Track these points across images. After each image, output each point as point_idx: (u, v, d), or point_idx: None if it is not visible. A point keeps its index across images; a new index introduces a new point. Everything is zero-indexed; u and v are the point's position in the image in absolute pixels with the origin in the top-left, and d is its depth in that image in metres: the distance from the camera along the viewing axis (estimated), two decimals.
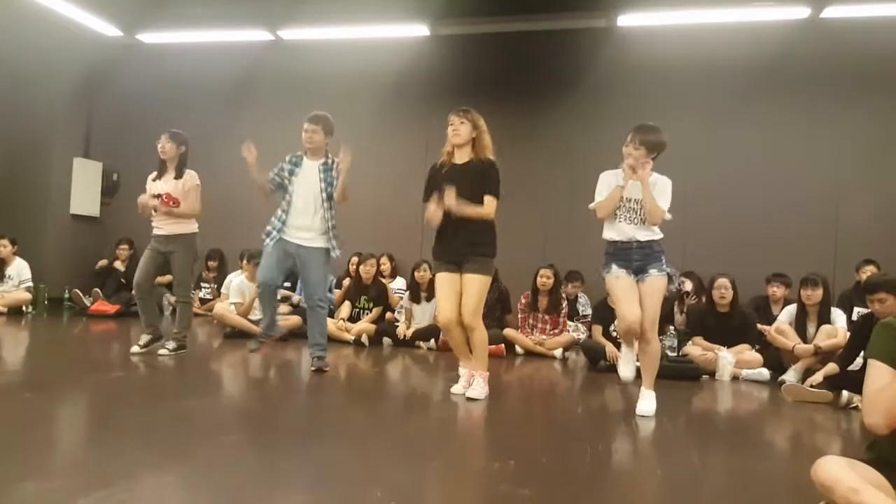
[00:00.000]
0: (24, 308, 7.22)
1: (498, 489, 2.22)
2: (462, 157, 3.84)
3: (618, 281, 3.56)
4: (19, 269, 7.30)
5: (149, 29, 8.25)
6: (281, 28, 7.88)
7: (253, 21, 7.79)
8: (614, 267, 3.57)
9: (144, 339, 4.75)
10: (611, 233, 3.65)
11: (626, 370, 3.85)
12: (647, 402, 3.57)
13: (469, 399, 3.68)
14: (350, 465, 2.42)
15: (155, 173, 4.85)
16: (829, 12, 6.52)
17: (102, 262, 8.14)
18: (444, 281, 3.79)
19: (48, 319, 7.01)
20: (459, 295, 3.76)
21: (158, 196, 4.70)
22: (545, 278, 5.97)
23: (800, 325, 5.09)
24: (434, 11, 7.26)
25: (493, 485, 2.28)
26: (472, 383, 3.78)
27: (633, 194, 3.58)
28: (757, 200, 6.95)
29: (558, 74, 7.59)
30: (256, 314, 6.29)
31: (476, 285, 3.70)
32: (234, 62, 8.37)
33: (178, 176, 4.75)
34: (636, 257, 3.55)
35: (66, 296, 7.74)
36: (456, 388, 3.89)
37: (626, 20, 7.06)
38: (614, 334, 5.38)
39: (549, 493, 2.20)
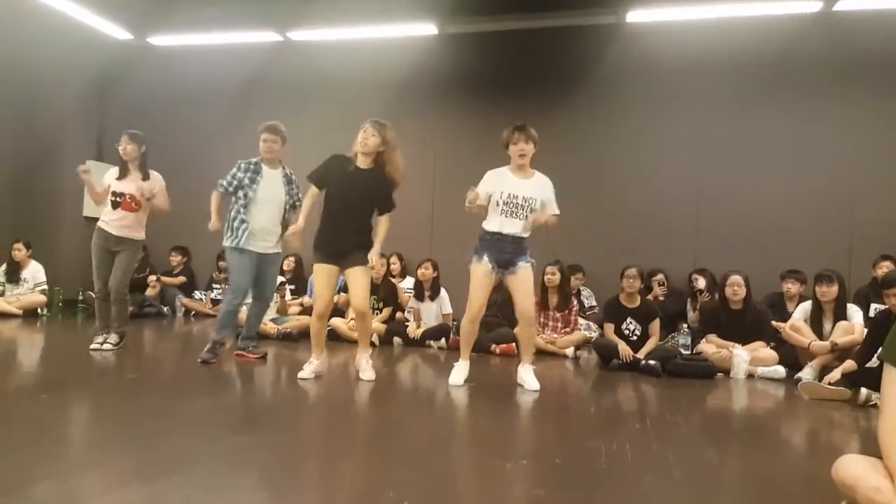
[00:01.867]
0: (39, 310, 7.29)
1: (512, 489, 2.20)
2: (365, 163, 4.14)
3: None
4: (34, 271, 7.37)
5: (159, 32, 8.31)
6: (290, 29, 7.91)
7: (262, 22, 7.82)
8: None
9: (101, 338, 4.88)
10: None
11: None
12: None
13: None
14: (362, 465, 2.41)
15: (116, 171, 4.94)
16: (842, 5, 6.45)
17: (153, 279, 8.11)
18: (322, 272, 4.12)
19: (62, 321, 7.08)
20: (333, 288, 4.15)
21: (122, 195, 4.83)
22: (552, 275, 5.94)
23: (815, 321, 5.03)
24: (442, 10, 7.26)
25: (507, 485, 2.26)
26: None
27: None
28: (771, 196, 6.89)
29: (567, 71, 7.55)
30: (269, 314, 6.32)
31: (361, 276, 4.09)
32: (243, 63, 8.41)
33: (146, 177, 4.87)
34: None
35: (80, 298, 7.79)
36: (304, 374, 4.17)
37: (635, 16, 7.02)
38: (626, 332, 5.35)
39: (564, 494, 2.18)
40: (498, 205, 4.01)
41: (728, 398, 4.34)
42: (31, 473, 2.10)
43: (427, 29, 7.58)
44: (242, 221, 4.56)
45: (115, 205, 4.87)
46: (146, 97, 8.78)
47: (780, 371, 4.99)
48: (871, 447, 1.81)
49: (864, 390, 3.96)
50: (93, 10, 7.64)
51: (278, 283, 6.49)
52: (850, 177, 6.74)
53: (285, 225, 4.69)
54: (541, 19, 7.36)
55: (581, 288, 6.86)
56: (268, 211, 4.62)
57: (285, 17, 7.73)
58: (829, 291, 4.95)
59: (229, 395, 3.81)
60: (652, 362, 4.92)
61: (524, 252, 4.10)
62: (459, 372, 4.15)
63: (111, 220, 4.87)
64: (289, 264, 7.49)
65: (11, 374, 4.14)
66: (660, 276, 6.60)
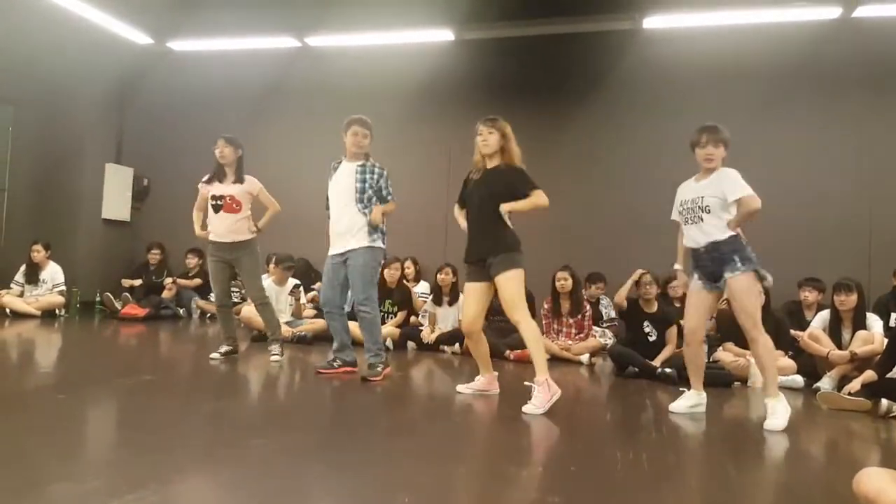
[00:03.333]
0: (56, 311, 7.39)
1: (527, 496, 2.19)
2: (492, 164, 3.86)
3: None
4: (53, 273, 7.47)
5: (179, 37, 8.41)
6: (308, 35, 7.97)
7: (280, 28, 7.89)
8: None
9: (224, 348, 4.84)
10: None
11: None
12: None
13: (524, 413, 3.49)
14: (376, 470, 2.41)
15: (207, 177, 4.83)
16: (861, 11, 6.39)
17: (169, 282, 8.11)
18: (470, 289, 3.90)
19: (80, 322, 7.15)
20: (483, 302, 3.84)
21: (221, 197, 4.70)
22: (563, 280, 5.92)
23: (834, 331, 4.97)
24: (459, 16, 7.28)
25: (523, 492, 2.25)
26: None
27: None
28: (789, 204, 6.81)
29: (584, 78, 7.54)
30: (284, 317, 6.35)
31: (505, 284, 3.70)
32: (261, 69, 8.49)
33: (239, 181, 4.75)
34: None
35: (98, 299, 7.89)
36: (462, 387, 4.00)
37: (652, 22, 6.99)
38: (646, 331, 5.33)
39: (579, 502, 2.16)
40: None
41: (746, 407, 4.30)
42: (47, 474, 2.12)
43: (444, 35, 7.61)
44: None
45: (216, 208, 4.70)
46: (165, 102, 8.89)
47: (799, 380, 4.92)
48: (892, 460, 1.78)
49: (884, 401, 3.90)
50: (113, 15, 7.75)
51: (293, 285, 6.54)
52: (870, 185, 6.66)
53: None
54: (558, 25, 7.36)
55: (601, 297, 6.82)
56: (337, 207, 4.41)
57: (303, 23, 7.79)
58: (847, 300, 4.88)
59: (246, 397, 3.83)
60: (668, 370, 4.89)
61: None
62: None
63: (217, 227, 4.73)
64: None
65: (29, 374, 4.19)
66: (677, 283, 6.54)
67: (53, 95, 8.14)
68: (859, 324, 4.88)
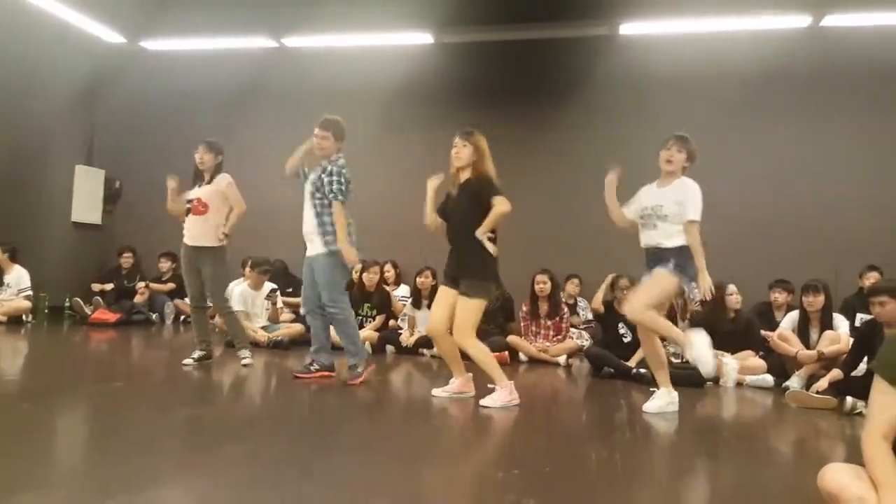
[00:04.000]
0: (23, 317, 7.18)
1: (503, 498, 2.20)
2: (464, 177, 3.90)
3: None
4: (18, 277, 7.23)
5: (152, 36, 8.28)
6: (285, 35, 7.91)
7: (257, 28, 7.82)
8: None
9: (197, 353, 4.76)
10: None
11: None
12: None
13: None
14: (354, 475, 2.41)
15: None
16: (830, 20, 6.54)
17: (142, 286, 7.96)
18: (441, 292, 3.95)
19: (48, 328, 7.00)
20: (452, 308, 3.85)
21: (191, 200, 4.70)
22: (542, 284, 5.98)
23: (802, 331, 5.08)
24: (438, 20, 7.29)
25: (499, 494, 2.26)
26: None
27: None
28: (759, 207, 6.96)
29: (560, 82, 7.61)
30: (260, 322, 6.29)
31: (463, 306, 3.76)
32: (237, 70, 8.39)
33: (210, 182, 4.74)
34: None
35: (67, 304, 7.72)
36: (437, 391, 4.02)
37: (628, 28, 7.09)
38: (620, 332, 5.39)
39: (555, 503, 2.18)
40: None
41: (717, 406, 4.37)
42: (13, 484, 2.07)
43: (423, 38, 7.62)
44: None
45: (187, 211, 4.71)
46: (138, 101, 8.74)
47: (769, 380, 5.02)
48: (856, 456, 1.83)
49: (849, 399, 4.00)
50: (84, 13, 7.61)
51: (269, 289, 6.47)
52: (837, 189, 6.82)
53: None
54: (535, 30, 7.41)
55: (578, 300, 6.88)
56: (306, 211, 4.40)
57: (280, 24, 7.74)
58: (815, 301, 5.00)
59: (218, 404, 3.79)
60: (643, 371, 4.94)
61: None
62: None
63: (187, 230, 4.73)
64: None
65: None
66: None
67: (22, 95, 7.95)
68: (826, 324, 4.99)
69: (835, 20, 6.56)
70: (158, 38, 8.30)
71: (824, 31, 6.71)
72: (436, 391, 4.03)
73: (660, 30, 7.09)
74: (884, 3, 6.33)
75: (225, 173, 4.78)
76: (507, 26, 7.35)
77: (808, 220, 6.81)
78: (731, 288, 5.34)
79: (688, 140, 3.83)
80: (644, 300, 3.71)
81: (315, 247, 4.33)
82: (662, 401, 3.81)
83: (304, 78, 8.20)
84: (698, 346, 3.65)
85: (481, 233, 3.70)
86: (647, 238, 3.82)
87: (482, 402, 3.74)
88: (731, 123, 7.11)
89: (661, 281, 3.69)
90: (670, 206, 3.70)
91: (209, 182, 4.72)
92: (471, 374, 4.08)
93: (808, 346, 4.95)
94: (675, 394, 3.87)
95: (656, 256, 3.76)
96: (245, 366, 4.73)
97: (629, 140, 7.26)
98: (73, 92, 8.50)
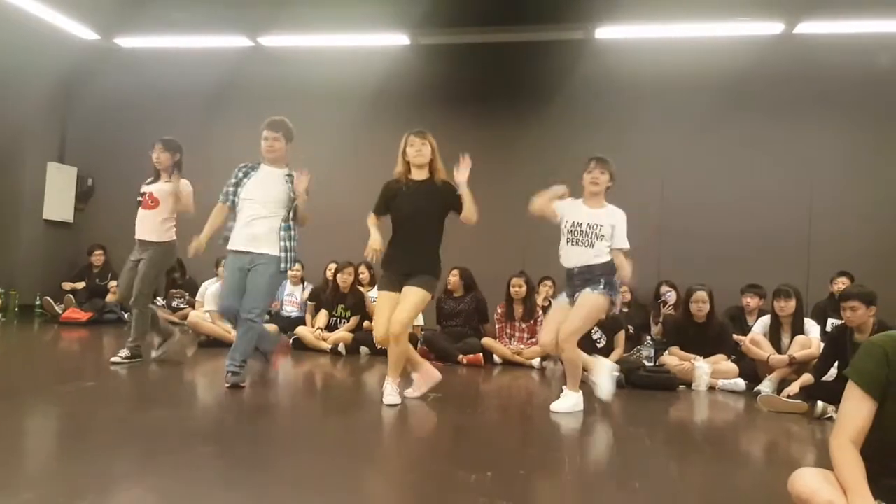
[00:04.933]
0: None
1: (476, 500, 2.20)
2: (420, 175, 4.00)
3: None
4: None
5: (127, 33, 8.14)
6: (261, 35, 7.83)
7: (233, 27, 7.73)
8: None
9: (124, 353, 4.66)
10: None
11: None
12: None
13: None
14: (326, 477, 2.38)
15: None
16: (803, 28, 6.65)
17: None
18: (385, 299, 3.91)
19: (18, 327, 6.85)
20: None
21: (143, 194, 4.72)
22: (517, 287, 6.00)
23: (774, 335, 5.15)
24: (415, 21, 7.27)
25: (472, 497, 2.25)
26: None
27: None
28: (732, 212, 7.05)
29: (537, 85, 7.64)
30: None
31: (415, 298, 3.80)
32: (212, 68, 8.29)
33: (166, 180, 4.76)
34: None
35: (38, 303, 7.56)
36: (409, 391, 4.02)
37: (604, 33, 7.13)
38: (594, 338, 5.42)
39: None
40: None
41: (689, 410, 4.42)
42: None
43: (399, 39, 7.60)
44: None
45: (137, 204, 4.76)
46: (112, 99, 8.61)
47: (740, 384, 5.08)
48: (826, 460, 1.85)
49: (820, 403, 4.07)
50: (58, 10, 7.45)
51: None
52: (808, 195, 6.94)
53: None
54: (512, 33, 7.43)
55: (552, 302, 6.90)
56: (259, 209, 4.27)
57: (257, 23, 7.66)
58: (787, 306, 5.07)
59: (189, 406, 3.73)
60: (617, 374, 4.97)
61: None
62: None
63: (138, 224, 4.72)
64: None
65: None
66: (624, 288, 6.68)
67: None
68: (798, 329, 5.07)
69: (808, 27, 6.67)
70: (133, 36, 8.16)
71: (797, 37, 6.82)
72: (408, 392, 4.02)
73: (635, 34, 7.15)
74: (857, 11, 6.45)
75: (186, 181, 4.75)
76: (484, 28, 7.36)
77: (780, 226, 6.92)
78: (700, 295, 5.32)
79: (608, 162, 4.00)
80: (578, 326, 3.80)
81: (269, 248, 4.11)
82: (570, 401, 3.88)
83: (280, 78, 8.13)
84: (602, 373, 3.95)
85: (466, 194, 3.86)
86: (578, 256, 3.86)
87: (406, 392, 3.93)
88: (704, 129, 7.21)
89: (592, 304, 3.79)
90: (607, 229, 3.84)
91: (167, 180, 4.72)
92: (426, 361, 4.23)
93: (779, 351, 5.02)
94: (581, 394, 3.93)
95: (586, 277, 3.83)
96: (154, 357, 4.78)
97: (604, 142, 7.33)
98: (45, 88, 8.34)
